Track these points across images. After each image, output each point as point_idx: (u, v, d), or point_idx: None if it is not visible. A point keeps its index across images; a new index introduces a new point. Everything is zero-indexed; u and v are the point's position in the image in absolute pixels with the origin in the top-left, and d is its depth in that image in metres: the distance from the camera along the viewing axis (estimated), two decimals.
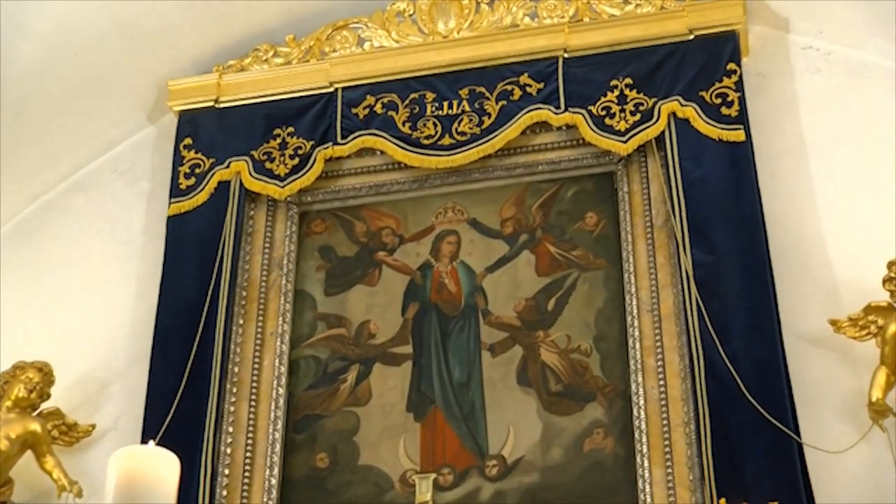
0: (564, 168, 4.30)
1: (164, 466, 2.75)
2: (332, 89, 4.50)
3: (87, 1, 4.28)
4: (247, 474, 3.97)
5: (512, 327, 4.10)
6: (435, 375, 4.07)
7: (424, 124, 4.34)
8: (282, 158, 4.40)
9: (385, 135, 4.36)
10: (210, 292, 4.16)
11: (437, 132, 4.31)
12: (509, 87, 4.32)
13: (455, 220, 4.35)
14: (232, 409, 4.07)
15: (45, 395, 4.05)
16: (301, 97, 4.50)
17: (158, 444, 2.92)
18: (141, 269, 4.45)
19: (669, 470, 3.66)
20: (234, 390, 4.10)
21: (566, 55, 4.30)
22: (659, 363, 3.84)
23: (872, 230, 3.79)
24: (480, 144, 4.26)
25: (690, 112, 4.07)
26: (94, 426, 4.13)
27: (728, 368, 3.62)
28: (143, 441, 3.69)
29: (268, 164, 4.41)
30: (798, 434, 3.52)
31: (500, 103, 4.29)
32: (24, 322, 4.37)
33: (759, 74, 4.22)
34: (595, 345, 3.98)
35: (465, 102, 4.32)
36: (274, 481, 3.95)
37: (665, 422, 3.74)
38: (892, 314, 3.58)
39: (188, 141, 4.52)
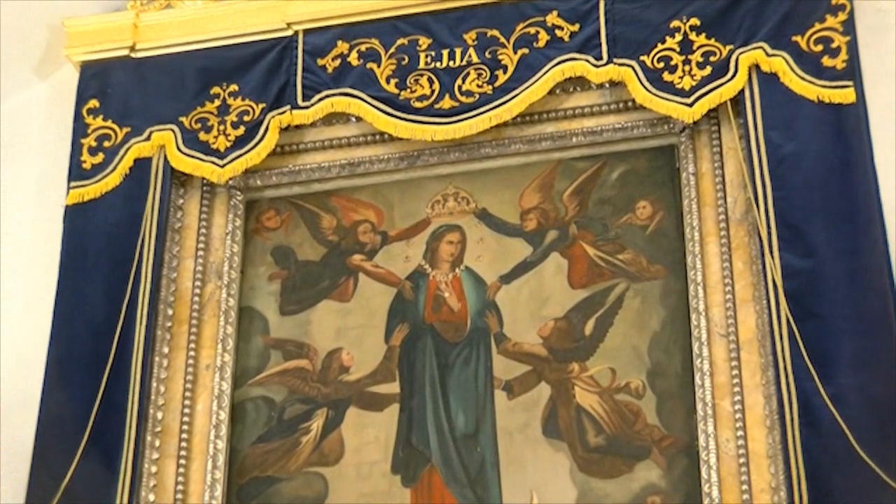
0: (608, 140, 4.29)
1: None
2: (290, 32, 4.50)
3: None
4: None
5: (536, 358, 4.09)
6: (431, 424, 4.06)
7: (416, 81, 4.33)
8: (222, 127, 4.40)
9: (363, 95, 4.36)
10: (124, 310, 4.15)
11: (433, 92, 4.30)
12: (533, 31, 4.31)
13: (458, 210, 4.35)
14: (154, 469, 4.06)
15: None
16: (248, 43, 4.52)
17: None
18: (28, 280, 4.43)
19: None
20: (157, 444, 4.10)
21: None
22: (736, 407, 3.82)
23: None
24: (493, 108, 4.25)
25: (779, 64, 4.05)
26: None
27: (832, 414, 3.61)
28: None
29: (203, 136, 4.41)
30: None
31: (520, 52, 4.28)
32: None
33: (878, 11, 4.17)
34: (649, 382, 3.98)
35: (471, 51, 4.33)
36: None
37: (745, 486, 3.74)
38: None
39: (94, 104, 4.53)
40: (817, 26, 4.06)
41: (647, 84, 4.13)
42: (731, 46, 4.10)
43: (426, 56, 4.34)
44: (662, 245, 4.12)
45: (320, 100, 4.37)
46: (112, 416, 4.01)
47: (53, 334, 4.19)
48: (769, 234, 3.86)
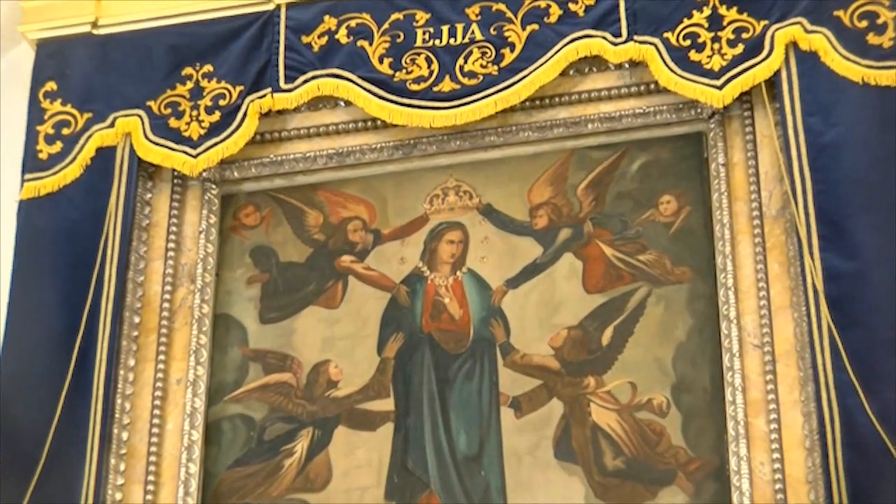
0: (628, 127, 4.29)
1: None
2: (271, 6, 4.52)
3: None
4: None
5: (547, 371, 4.08)
6: (429, 445, 4.07)
7: (413, 61, 4.35)
8: (195, 113, 4.41)
9: (353, 76, 4.37)
10: (85, 318, 4.16)
11: (432, 73, 4.31)
12: (543, 4, 4.32)
13: (459, 206, 4.36)
14: (118, 496, 4.06)
15: None
16: (224, 19, 4.54)
17: None
18: None
19: None
20: (122, 468, 4.10)
21: None
22: (772, 426, 3.80)
23: None
24: (499, 91, 4.25)
25: (820, 41, 4.04)
26: None
27: (878, 434, 3.59)
28: None
29: (173, 122, 4.42)
30: None
31: (529, 28, 4.30)
32: None
33: None
34: (674, 398, 3.97)
35: (475, 27, 4.34)
36: None
37: None
38: None
39: (51, 86, 4.55)
40: (861, 0, 4.04)
41: (671, 64, 4.13)
42: (766, 22, 4.09)
43: (424, 33, 4.35)
44: (689, 244, 4.11)
45: (305, 82, 4.38)
46: (72, 436, 4.01)
47: (6, 345, 4.19)
48: (809, 232, 3.84)
